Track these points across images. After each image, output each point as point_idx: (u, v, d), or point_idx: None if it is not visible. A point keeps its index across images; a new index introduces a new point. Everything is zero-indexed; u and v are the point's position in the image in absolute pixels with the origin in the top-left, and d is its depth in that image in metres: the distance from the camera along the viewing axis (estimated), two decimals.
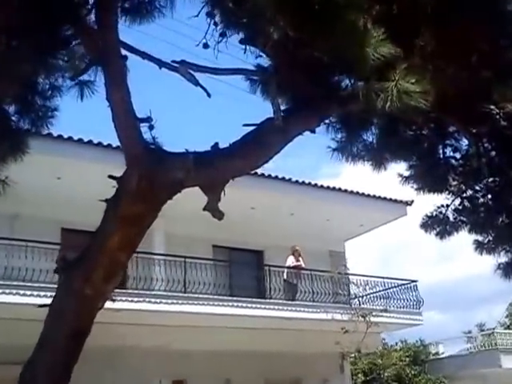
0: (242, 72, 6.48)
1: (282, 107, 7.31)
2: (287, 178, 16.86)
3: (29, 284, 11.64)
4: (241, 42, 5.35)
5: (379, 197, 18.58)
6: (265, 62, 6.81)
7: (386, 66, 4.64)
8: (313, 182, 17.36)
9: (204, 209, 7.39)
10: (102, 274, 5.79)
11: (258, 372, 16.34)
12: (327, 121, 8.05)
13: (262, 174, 16.24)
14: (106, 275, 5.82)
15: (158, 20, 6.77)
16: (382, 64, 4.52)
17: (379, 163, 8.52)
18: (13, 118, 6.74)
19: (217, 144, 6.44)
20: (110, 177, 5.98)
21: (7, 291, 11.06)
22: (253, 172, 15.84)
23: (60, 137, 13.20)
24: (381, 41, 4.36)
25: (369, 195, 18.40)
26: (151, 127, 5.76)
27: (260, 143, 6.62)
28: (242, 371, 15.95)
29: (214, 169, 6.33)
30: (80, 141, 13.30)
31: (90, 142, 13.44)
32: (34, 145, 12.68)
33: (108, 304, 12.46)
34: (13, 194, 13.07)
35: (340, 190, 17.92)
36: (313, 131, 7.20)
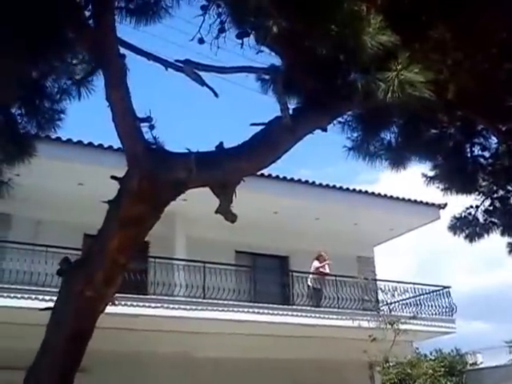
0: (249, 70, 6.41)
1: (293, 106, 7.34)
2: (310, 181, 16.71)
3: (48, 289, 11.74)
4: (237, 36, 5.26)
5: (409, 200, 18.28)
6: (274, 60, 6.83)
7: (388, 56, 4.52)
8: (337, 185, 17.17)
9: (216, 211, 7.34)
10: (102, 276, 5.77)
11: (283, 381, 16.15)
12: (342, 119, 7.99)
13: (284, 178, 16.15)
14: (106, 278, 5.80)
15: (164, 20, 6.80)
16: (382, 53, 4.41)
17: (398, 162, 8.37)
18: (20, 122, 6.77)
19: (221, 144, 6.38)
20: (113, 177, 5.98)
21: (26, 296, 11.15)
22: (274, 175, 15.97)
23: (80, 142, 13.36)
24: (380, 29, 4.23)
25: (398, 198, 18.12)
26: (152, 127, 5.73)
27: (267, 143, 6.53)
28: (265, 380, 15.78)
29: (219, 169, 6.26)
30: (100, 146, 13.41)
31: (110, 148, 13.55)
32: (55, 151, 13.02)
33: (126, 310, 12.68)
34: (36, 200, 13.42)
35: (367, 193, 17.69)
36: (324, 130, 7.08)
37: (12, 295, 11.17)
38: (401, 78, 4.44)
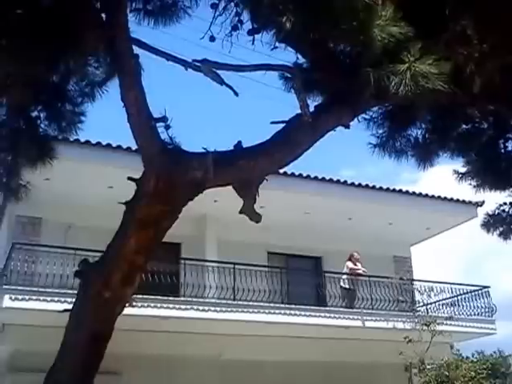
0: (267, 68, 6.35)
1: (316, 103, 7.25)
2: (342, 180, 16.53)
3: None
4: (249, 32, 5.22)
5: (445, 198, 17.90)
6: (292, 57, 6.76)
7: (400, 48, 4.41)
8: (370, 184, 16.93)
9: (240, 212, 7.31)
10: (120, 277, 5.80)
11: (319, 383, 16.02)
12: (367, 116, 7.87)
13: (316, 177, 16.01)
14: (123, 278, 5.83)
15: (183, 21, 6.79)
16: (394, 46, 4.30)
17: (425, 159, 8.20)
18: (41, 125, 6.84)
19: (240, 143, 6.35)
20: (130, 179, 6.01)
21: (56, 299, 11.29)
22: (305, 175, 15.85)
23: (109, 145, 13.48)
24: (391, 20, 4.13)
25: (433, 196, 17.76)
26: (167, 127, 5.74)
27: (287, 140, 6.48)
28: (301, 382, 15.68)
29: (237, 168, 6.23)
30: (129, 149, 13.51)
31: (138, 150, 13.62)
32: (85, 155, 13.16)
33: (157, 312, 12.71)
34: (66, 204, 13.59)
35: (401, 191, 17.39)
36: (347, 126, 7.00)
37: (41, 298, 11.35)
38: (413, 70, 4.32)
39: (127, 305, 6.33)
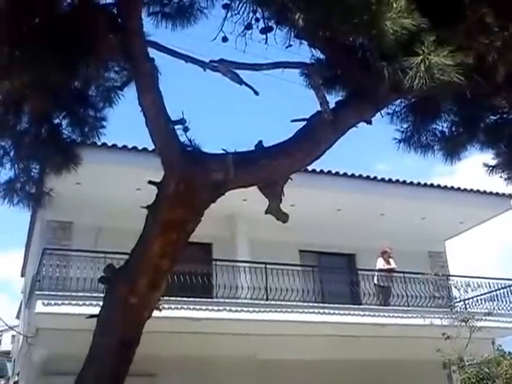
0: (284, 65, 6.32)
1: (336, 99, 7.19)
2: (372, 176, 16.39)
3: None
4: (262, 31, 5.20)
5: (478, 191, 17.61)
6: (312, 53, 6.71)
7: (414, 40, 4.33)
8: (401, 180, 16.75)
9: (266, 212, 7.29)
10: (146, 282, 5.81)
11: (356, 381, 15.89)
12: (390, 110, 7.77)
13: (345, 174, 15.91)
14: (150, 283, 5.84)
15: (200, 21, 6.81)
16: (407, 38, 4.23)
17: (453, 153, 8.07)
18: (64, 131, 6.92)
19: (260, 142, 6.32)
20: (150, 182, 6.04)
21: (87, 303, 11.42)
22: (334, 172, 15.77)
23: (135, 148, 13.62)
24: (402, 12, 4.06)
25: (466, 190, 17.50)
26: (186, 129, 5.73)
27: (308, 139, 6.43)
28: (337, 381, 15.57)
29: (258, 168, 6.21)
30: (154, 151, 13.59)
31: (157, 154, 13.70)
32: (114, 158, 13.32)
33: (190, 313, 12.78)
34: (96, 208, 13.77)
35: (432, 186, 17.16)
36: (369, 122, 6.92)
37: (73, 302, 11.52)
38: (428, 62, 4.24)
39: (155, 310, 6.34)
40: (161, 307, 6.45)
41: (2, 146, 6.31)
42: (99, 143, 12.74)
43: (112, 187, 13.64)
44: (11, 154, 6.35)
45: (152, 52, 6.03)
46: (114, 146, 13.33)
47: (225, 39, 5.90)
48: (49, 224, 14.26)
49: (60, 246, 13.53)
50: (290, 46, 5.36)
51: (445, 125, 7.95)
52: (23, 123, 6.30)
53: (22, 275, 22.78)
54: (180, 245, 5.94)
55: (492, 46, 5.71)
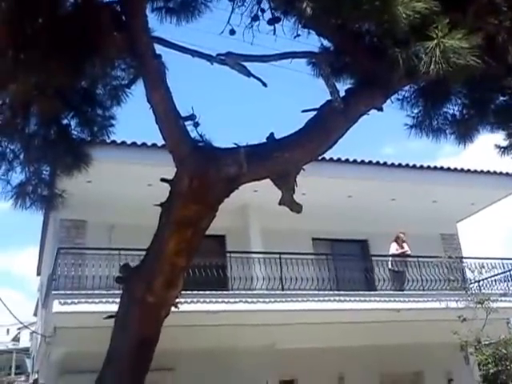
0: (292, 55, 6.19)
1: (346, 87, 7.06)
2: (382, 162, 16.21)
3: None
4: (269, 22, 5.07)
5: (488, 172, 17.39)
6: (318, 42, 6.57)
7: (427, 24, 4.18)
8: (411, 164, 16.56)
9: (280, 203, 7.18)
10: (162, 280, 5.74)
11: (373, 367, 15.81)
12: (400, 96, 7.63)
13: (355, 161, 15.75)
14: (166, 282, 5.77)
15: (205, 15, 6.67)
16: (420, 22, 4.08)
17: (465, 136, 7.93)
18: (73, 132, 6.83)
19: (272, 135, 6.21)
20: (163, 180, 5.94)
21: (104, 300, 11.36)
22: (344, 159, 15.61)
23: (144, 144, 13.50)
24: None
25: (476, 171, 17.29)
26: (196, 124, 5.62)
27: (319, 128, 6.31)
28: (355, 367, 15.54)
29: (271, 161, 6.10)
30: (164, 146, 13.49)
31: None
32: (124, 155, 13.22)
33: (207, 307, 12.70)
34: (109, 205, 13.69)
35: (442, 168, 16.96)
36: (380, 109, 6.79)
37: (90, 300, 11.45)
38: (443, 46, 4.09)
39: (173, 307, 6.25)
40: (178, 304, 6.34)
41: (11, 149, 6.22)
42: (108, 141, 12.68)
43: (123, 184, 13.55)
44: (21, 156, 6.26)
45: (158, 48, 5.94)
46: (124, 143, 13.22)
47: (232, 32, 5.77)
48: (62, 223, 14.19)
49: (74, 245, 13.47)
50: (298, 35, 5.22)
51: (456, 108, 7.82)
52: (32, 125, 6.20)
53: (38, 274, 22.81)
54: (195, 242, 5.85)
55: (502, 27, 5.57)
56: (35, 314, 27.78)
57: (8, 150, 6.20)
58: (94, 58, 5.22)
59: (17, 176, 6.28)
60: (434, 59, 4.15)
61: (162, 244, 5.71)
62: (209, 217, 5.80)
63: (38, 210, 6.39)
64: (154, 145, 13.15)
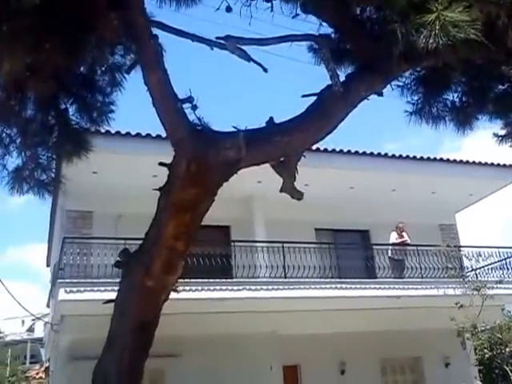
0: (292, 39, 5.89)
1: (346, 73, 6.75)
2: (383, 153, 15.87)
3: None
4: None
5: (486, 163, 17.03)
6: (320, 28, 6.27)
7: None
8: (411, 155, 16.21)
9: (281, 190, 6.89)
10: (161, 264, 5.46)
11: (373, 353, 15.63)
12: (400, 82, 7.34)
13: (356, 152, 15.43)
14: (165, 266, 5.48)
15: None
16: None
17: (464, 123, 7.62)
18: (73, 118, 6.53)
19: (271, 119, 5.91)
20: (161, 164, 5.64)
21: (109, 289, 11.06)
22: (346, 150, 15.29)
23: (149, 135, 13.19)
24: None
25: (474, 162, 16.92)
26: (194, 107, 5.32)
27: (320, 113, 6.01)
28: (356, 353, 15.36)
29: (271, 145, 5.80)
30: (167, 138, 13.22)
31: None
32: (128, 146, 12.92)
33: (211, 294, 12.44)
34: (115, 196, 13.41)
35: (442, 160, 16.58)
36: (380, 94, 6.50)
37: (95, 289, 11.16)
38: (443, 19, 3.76)
39: (172, 292, 5.96)
40: (178, 289, 6.05)
41: (8, 133, 5.92)
42: (113, 131, 12.43)
43: (128, 175, 13.24)
44: (18, 141, 5.96)
45: (157, 33, 5.62)
46: (128, 133, 12.93)
47: (228, 9, 5.44)
48: (69, 214, 13.91)
49: (81, 235, 13.20)
50: (297, 15, 4.88)
51: (455, 95, 7.53)
52: (29, 110, 5.90)
53: (48, 265, 22.59)
54: (194, 226, 5.55)
55: (502, 6, 5.23)
56: (48, 305, 27.61)
57: (4, 134, 5.90)
58: (90, 37, 4.90)
59: (13, 161, 6.01)
60: (433, 33, 3.83)
61: (161, 228, 5.43)
62: (207, 201, 5.50)
63: (35, 195, 6.09)
64: (158, 136, 12.83)
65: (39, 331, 40.31)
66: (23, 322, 47.95)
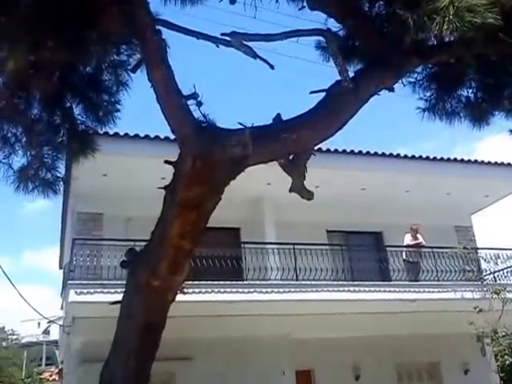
0: (298, 34, 5.80)
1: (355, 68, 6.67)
2: (394, 154, 15.72)
3: None
4: None
5: (502, 163, 16.80)
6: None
7: None
8: (424, 156, 16.04)
9: (290, 190, 6.79)
10: (167, 264, 5.40)
11: (389, 357, 15.38)
12: (412, 79, 7.23)
13: (368, 152, 15.30)
14: (171, 265, 5.41)
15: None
16: None
17: (480, 119, 7.47)
18: (78, 117, 6.50)
19: (279, 115, 5.83)
20: (166, 162, 5.58)
21: (119, 290, 11.03)
22: (357, 151, 15.16)
23: (157, 137, 13.17)
24: None
25: (489, 163, 16.71)
26: (199, 104, 5.24)
27: (329, 109, 5.92)
28: (370, 357, 15.11)
29: (278, 142, 5.70)
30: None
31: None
32: (137, 149, 12.91)
33: (222, 297, 12.37)
34: (125, 198, 13.41)
35: (456, 160, 16.38)
36: (391, 90, 6.39)
37: (105, 290, 11.13)
38: (457, 3, 3.64)
39: (179, 293, 5.89)
40: (185, 290, 5.98)
41: (13, 132, 5.90)
42: (122, 133, 12.45)
43: (137, 177, 13.23)
44: (23, 140, 5.93)
45: (163, 31, 5.57)
46: (137, 135, 12.93)
47: (232, 1, 5.37)
48: (79, 216, 13.95)
49: (91, 237, 13.20)
50: (303, 7, 4.79)
51: (470, 91, 7.40)
52: (34, 109, 5.87)
53: (60, 267, 22.66)
54: (200, 224, 5.47)
55: None
56: (62, 308, 27.70)
57: (10, 133, 5.87)
58: (92, 33, 4.85)
59: (18, 160, 5.99)
60: (446, 19, 3.70)
61: (166, 227, 5.36)
62: (214, 199, 5.42)
63: (39, 194, 6.06)
64: (166, 137, 12.82)
65: (54, 333, 40.51)
66: (39, 324, 48.23)
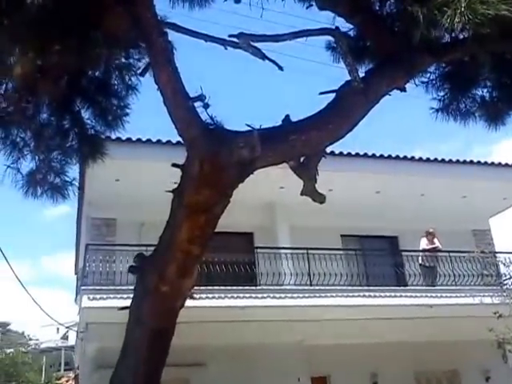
0: (306, 34, 5.74)
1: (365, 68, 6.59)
2: (409, 156, 15.53)
3: None
4: None
5: None
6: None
7: None
8: (439, 158, 15.83)
9: (301, 193, 6.71)
10: (175, 268, 5.32)
11: (407, 364, 15.13)
12: (425, 79, 7.12)
13: (381, 155, 15.15)
14: (180, 270, 5.34)
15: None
16: None
17: (496, 119, 7.32)
18: (88, 122, 6.48)
19: (288, 117, 5.75)
20: (174, 165, 5.52)
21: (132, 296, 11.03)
22: (371, 154, 15.01)
23: (169, 142, 13.13)
24: None
25: (506, 165, 16.45)
26: (206, 106, 5.18)
27: (339, 110, 5.82)
28: (388, 364, 14.89)
29: (287, 144, 5.61)
30: None
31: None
32: (151, 152, 12.90)
33: (234, 302, 12.29)
34: (138, 203, 13.41)
35: (472, 162, 16.15)
36: (402, 89, 6.28)
37: (118, 296, 11.03)
38: None
39: (189, 299, 5.81)
40: (195, 296, 5.90)
41: (22, 137, 5.89)
42: (134, 139, 12.46)
43: (149, 182, 13.20)
44: (32, 145, 5.92)
45: (170, 34, 5.54)
46: (149, 140, 12.94)
47: (237, 0, 5.32)
48: (93, 221, 14.02)
49: (105, 242, 13.22)
50: (311, 5, 4.72)
51: (484, 90, 7.26)
52: (43, 114, 5.86)
53: (76, 273, 22.80)
54: (209, 229, 5.39)
55: None
56: (78, 313, 27.84)
57: (19, 138, 5.86)
58: (98, 35, 4.82)
59: (27, 164, 5.97)
60: (458, 11, 3.59)
61: (174, 231, 5.29)
62: (222, 203, 5.34)
63: (48, 198, 6.04)
64: (178, 142, 12.79)
65: (73, 339, 40.83)
66: (58, 329, 48.59)
